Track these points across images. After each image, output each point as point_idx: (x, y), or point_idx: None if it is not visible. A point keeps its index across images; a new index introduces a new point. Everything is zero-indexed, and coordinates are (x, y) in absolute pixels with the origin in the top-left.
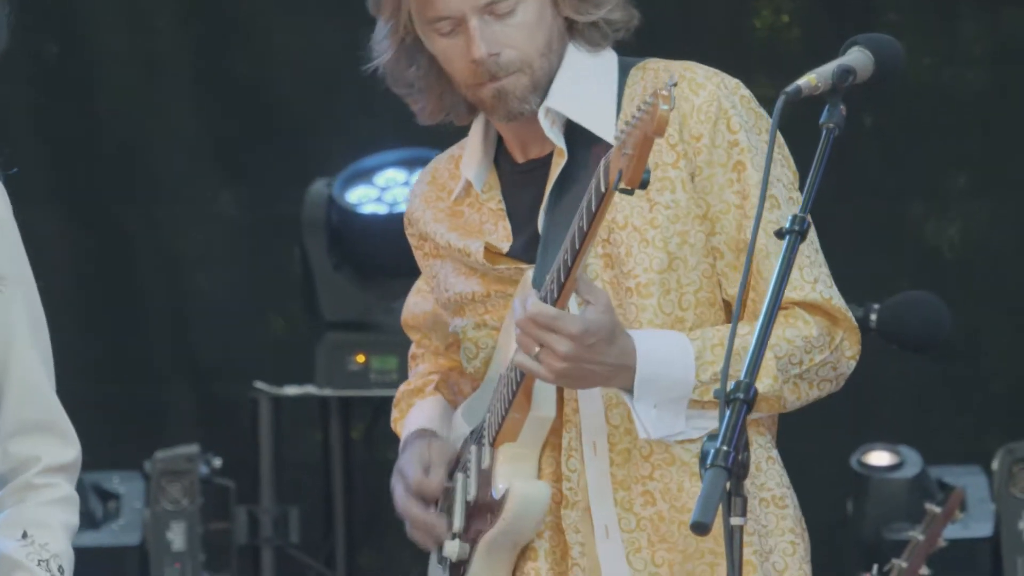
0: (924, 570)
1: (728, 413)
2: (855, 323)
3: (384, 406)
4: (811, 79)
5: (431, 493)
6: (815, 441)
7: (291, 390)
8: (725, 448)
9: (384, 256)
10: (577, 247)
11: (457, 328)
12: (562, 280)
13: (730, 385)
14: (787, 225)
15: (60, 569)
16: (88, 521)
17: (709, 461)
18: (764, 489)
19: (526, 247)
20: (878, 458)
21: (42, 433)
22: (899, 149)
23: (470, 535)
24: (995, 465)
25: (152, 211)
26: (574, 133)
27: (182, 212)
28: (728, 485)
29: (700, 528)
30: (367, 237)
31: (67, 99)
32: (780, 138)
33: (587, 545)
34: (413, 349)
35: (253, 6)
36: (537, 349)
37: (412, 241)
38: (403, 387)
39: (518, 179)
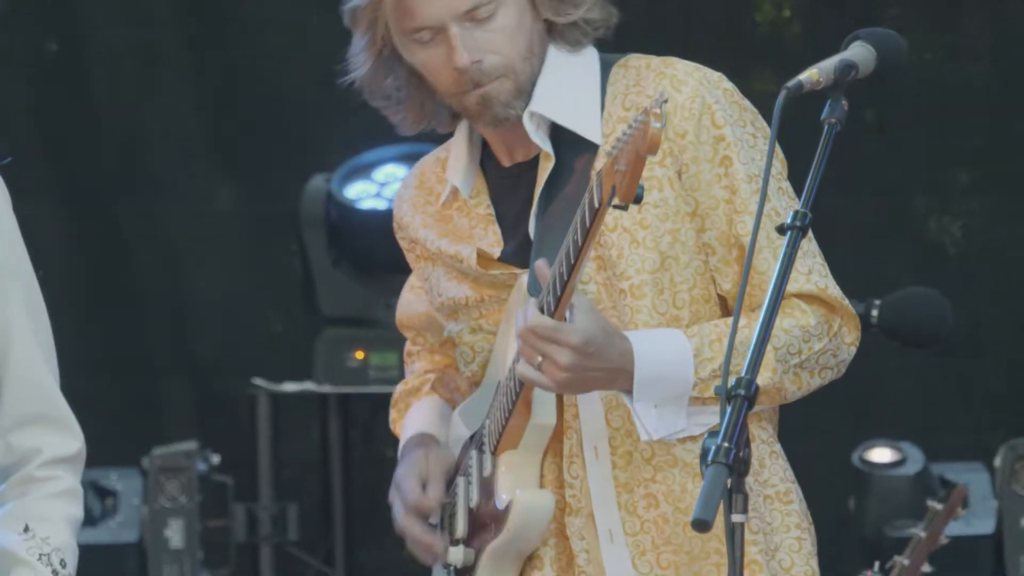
0: (926, 567)
1: (729, 410)
2: (852, 310)
3: (383, 402)
4: (813, 74)
5: (429, 510)
6: (817, 438)
7: (290, 386)
8: (726, 445)
9: (383, 252)
10: (572, 261)
11: (452, 332)
12: (559, 293)
13: (730, 381)
14: (788, 221)
15: (62, 563)
16: (86, 518)
17: (710, 458)
18: (768, 485)
19: (517, 251)
20: (880, 455)
21: (43, 425)
22: (901, 144)
23: (475, 543)
24: (997, 462)
25: (151, 207)
26: (560, 135)
27: (181, 208)
28: (729, 482)
29: (701, 525)
30: (366, 233)
31: (66, 96)
32: (765, 126)
33: (592, 551)
34: (408, 347)
35: (252, 3)
36: (540, 359)
37: (403, 244)
38: (400, 387)
39: (505, 183)
